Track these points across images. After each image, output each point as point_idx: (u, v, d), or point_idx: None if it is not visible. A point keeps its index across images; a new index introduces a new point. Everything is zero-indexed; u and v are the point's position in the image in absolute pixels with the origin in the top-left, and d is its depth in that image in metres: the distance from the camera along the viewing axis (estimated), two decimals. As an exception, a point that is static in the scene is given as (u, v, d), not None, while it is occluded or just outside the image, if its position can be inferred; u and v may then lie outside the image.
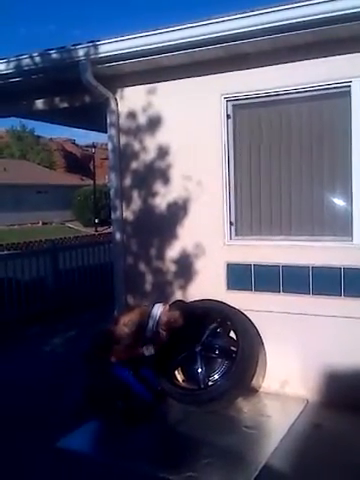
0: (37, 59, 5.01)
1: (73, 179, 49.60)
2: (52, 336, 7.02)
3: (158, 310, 4.41)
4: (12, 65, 5.12)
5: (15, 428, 4.20)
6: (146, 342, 4.32)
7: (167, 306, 4.45)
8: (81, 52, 4.75)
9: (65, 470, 3.58)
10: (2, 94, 5.57)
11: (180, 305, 4.53)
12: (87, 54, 4.72)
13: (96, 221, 34.03)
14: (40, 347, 6.55)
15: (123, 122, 5.27)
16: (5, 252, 14.26)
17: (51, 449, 3.82)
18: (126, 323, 4.31)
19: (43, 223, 38.54)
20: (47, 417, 4.36)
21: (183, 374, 4.80)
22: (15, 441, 3.99)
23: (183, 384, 4.71)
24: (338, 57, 4.21)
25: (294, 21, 3.94)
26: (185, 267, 5.04)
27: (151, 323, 4.37)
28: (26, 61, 5.05)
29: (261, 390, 4.73)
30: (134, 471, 3.52)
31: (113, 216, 5.44)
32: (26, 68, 5.07)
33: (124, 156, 5.29)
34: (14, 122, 56.92)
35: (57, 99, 5.70)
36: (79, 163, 59.78)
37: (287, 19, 3.95)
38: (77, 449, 3.88)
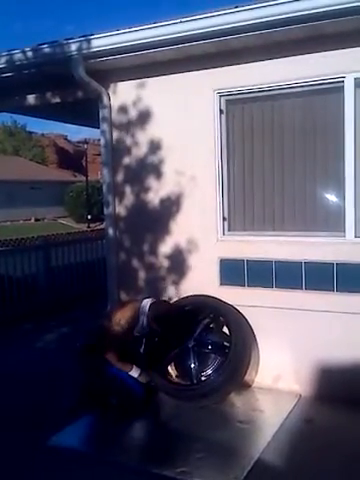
0: (29, 54, 4.97)
1: (65, 175, 49.45)
2: (45, 333, 7.00)
3: (147, 305, 4.38)
4: (4, 60, 5.07)
5: (6, 425, 4.18)
6: (138, 338, 4.31)
7: (150, 301, 4.41)
8: (73, 47, 4.72)
9: (57, 467, 3.55)
10: (-6, 89, 5.54)
11: (158, 308, 4.39)
12: (79, 49, 4.69)
13: (89, 217, 33.93)
14: (33, 344, 6.53)
15: (115, 117, 5.24)
16: (-3, 248, 14.19)
17: (43, 446, 3.80)
18: (119, 319, 4.30)
19: (35, 219, 38.40)
20: (39, 414, 4.34)
21: (176, 370, 4.81)
22: (6, 439, 3.96)
23: (176, 380, 4.72)
24: (331, 52, 4.21)
25: (286, 16, 3.93)
26: (178, 263, 5.04)
27: (141, 318, 4.35)
28: (18, 56, 5.00)
29: (254, 385, 4.75)
30: (127, 467, 3.52)
31: (105, 212, 5.42)
32: (18, 63, 5.03)
33: (117, 151, 5.27)
34: (5, 118, 56.58)
35: (49, 94, 5.66)
36: (71, 159, 59.54)
37: (280, 14, 3.94)
38: (69, 446, 3.87)
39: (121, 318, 4.30)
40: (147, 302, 4.38)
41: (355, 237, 4.33)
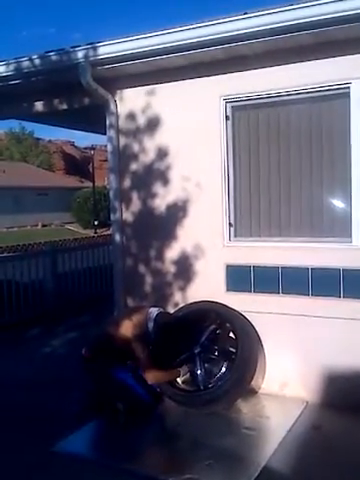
0: (37, 61, 5.02)
1: (72, 181, 49.63)
2: (52, 338, 7.01)
3: (154, 313, 4.37)
4: (12, 67, 5.13)
5: (13, 430, 4.18)
6: (144, 344, 4.31)
7: (157, 310, 4.42)
8: (80, 54, 4.76)
9: (63, 473, 3.55)
10: (2, 96, 5.58)
11: (165, 316, 4.45)
12: (86, 56, 4.73)
13: (95, 223, 34.02)
14: (40, 349, 6.54)
15: (122, 124, 5.27)
16: (4, 254, 14.28)
17: (49, 452, 3.79)
18: (125, 325, 4.30)
19: (43, 225, 38.54)
20: (46, 419, 4.34)
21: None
22: (12, 444, 3.97)
23: (182, 386, 4.71)
24: (337, 58, 4.22)
25: (293, 23, 3.95)
26: (184, 268, 5.04)
27: (148, 325, 4.34)
28: (26, 63, 5.06)
29: (260, 391, 4.73)
30: (134, 473, 3.50)
31: (112, 218, 5.44)
32: (26, 70, 5.08)
33: (123, 158, 5.30)
34: (13, 124, 56.89)
35: (56, 101, 5.71)
36: (78, 165, 59.77)
37: (286, 21, 3.96)
38: (75, 452, 3.87)
39: (127, 325, 4.30)
40: (154, 311, 4.38)
41: (362, 243, 4.32)
